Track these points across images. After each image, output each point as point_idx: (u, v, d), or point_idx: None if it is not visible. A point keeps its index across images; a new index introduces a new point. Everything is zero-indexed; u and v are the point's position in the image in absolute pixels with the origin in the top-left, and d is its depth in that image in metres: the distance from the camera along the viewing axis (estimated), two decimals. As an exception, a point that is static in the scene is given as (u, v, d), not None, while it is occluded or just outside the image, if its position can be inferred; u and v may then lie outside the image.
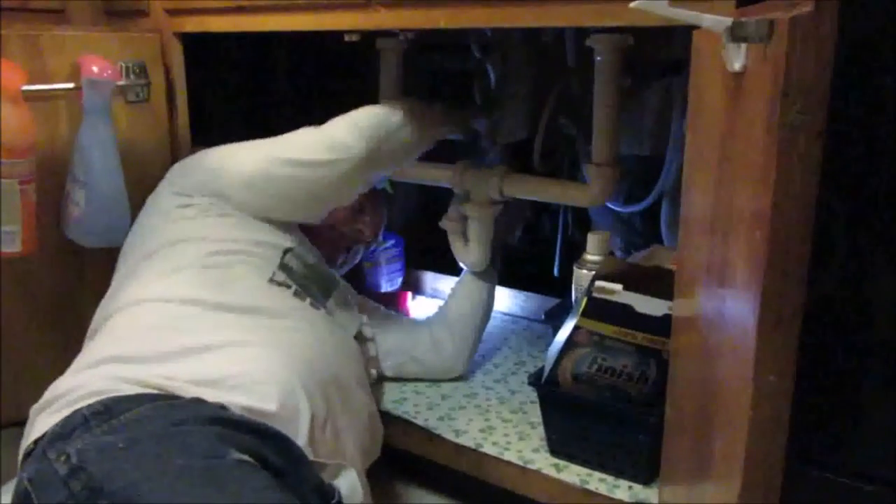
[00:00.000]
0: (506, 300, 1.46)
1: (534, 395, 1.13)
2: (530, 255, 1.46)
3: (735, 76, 0.46)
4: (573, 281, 1.09)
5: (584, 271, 1.07)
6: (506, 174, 1.15)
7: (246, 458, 0.69)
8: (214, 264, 0.90)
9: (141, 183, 1.11)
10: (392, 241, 1.52)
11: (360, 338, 1.08)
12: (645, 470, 0.92)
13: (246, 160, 0.97)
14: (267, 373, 0.80)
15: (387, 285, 1.52)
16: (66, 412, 0.71)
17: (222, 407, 0.74)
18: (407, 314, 1.44)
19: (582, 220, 1.44)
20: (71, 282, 1.15)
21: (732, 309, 0.44)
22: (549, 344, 1.31)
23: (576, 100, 1.31)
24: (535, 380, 0.97)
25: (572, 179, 1.30)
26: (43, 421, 0.73)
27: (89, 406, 0.71)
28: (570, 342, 0.91)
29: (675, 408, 0.78)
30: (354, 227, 1.19)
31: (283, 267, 0.96)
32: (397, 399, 1.14)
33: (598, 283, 0.88)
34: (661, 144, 1.25)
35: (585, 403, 0.93)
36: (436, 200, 1.58)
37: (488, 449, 1.02)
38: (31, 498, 0.65)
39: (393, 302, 1.44)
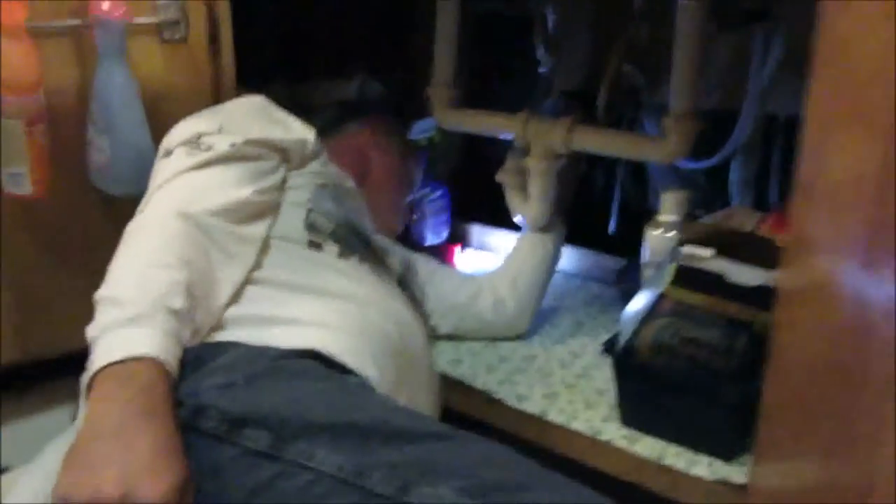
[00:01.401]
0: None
1: (599, 360, 1.09)
2: (583, 210, 1.39)
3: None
4: (645, 242, 1.03)
5: (657, 232, 1.00)
6: (573, 126, 1.07)
7: (363, 381, 0.69)
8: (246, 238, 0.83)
9: None
10: (438, 192, 1.45)
11: (414, 293, 1.02)
12: (728, 447, 0.87)
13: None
14: (332, 342, 0.75)
15: (432, 238, 1.46)
16: None
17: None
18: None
19: (638, 174, 1.36)
20: (101, 227, 1.10)
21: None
22: (609, 305, 1.26)
23: (641, 48, 1.22)
24: (611, 348, 0.92)
25: (634, 130, 1.23)
26: None
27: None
28: (652, 310, 0.85)
29: (778, 385, 0.72)
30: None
31: (311, 227, 0.89)
32: (452, 360, 1.09)
33: (687, 250, 0.81)
34: (729, 97, 1.17)
35: (665, 375, 0.87)
36: (484, 149, 1.51)
37: (554, 417, 0.97)
38: None
39: (440, 256, 1.38)
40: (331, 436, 0.59)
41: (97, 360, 0.60)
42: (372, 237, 0.97)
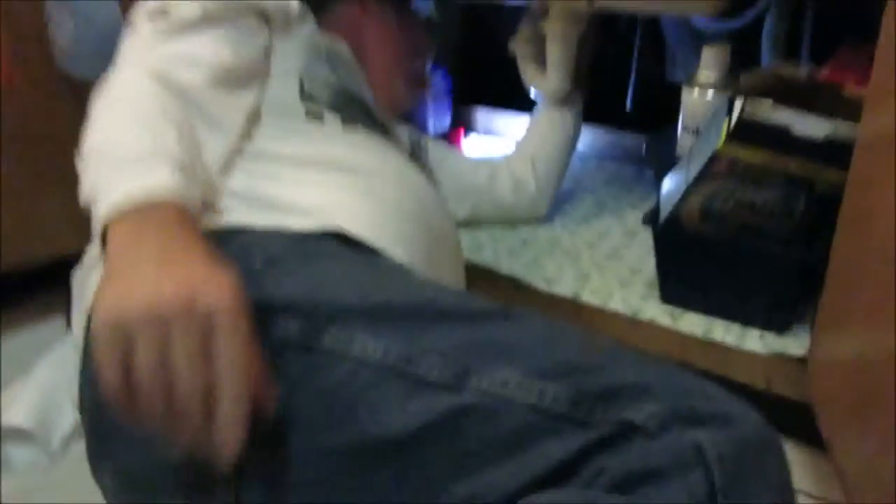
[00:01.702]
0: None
1: (627, 239, 1.02)
2: (598, 86, 1.30)
3: None
4: (682, 104, 0.94)
5: (697, 92, 0.91)
6: (597, -20, 0.95)
7: (396, 262, 0.60)
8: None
9: None
10: (438, 75, 1.34)
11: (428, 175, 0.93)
12: (780, 317, 0.81)
13: None
14: (353, 221, 0.66)
15: (435, 125, 1.36)
16: None
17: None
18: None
19: (655, 44, 1.26)
20: (71, 123, 0.99)
21: None
22: (630, 183, 1.18)
23: None
24: (652, 219, 0.84)
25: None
26: None
27: None
28: (704, 174, 0.76)
29: (850, 248, 0.66)
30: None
31: (307, 96, 0.78)
32: (473, 246, 1.01)
33: (749, 100, 0.72)
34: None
35: (714, 243, 0.80)
36: (484, 26, 1.39)
37: (588, 298, 0.90)
38: None
39: (445, 141, 1.28)
40: (369, 319, 0.50)
41: (106, 210, 0.49)
42: (374, 108, 0.86)
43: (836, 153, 0.71)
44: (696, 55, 1.07)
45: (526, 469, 0.44)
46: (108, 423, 0.55)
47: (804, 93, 0.75)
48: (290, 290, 0.52)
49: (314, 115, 0.76)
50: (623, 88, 1.29)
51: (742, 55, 1.15)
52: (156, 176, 0.51)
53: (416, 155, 0.90)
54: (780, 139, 0.72)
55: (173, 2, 0.72)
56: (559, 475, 0.44)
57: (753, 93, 0.75)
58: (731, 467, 0.41)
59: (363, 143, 0.77)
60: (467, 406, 0.46)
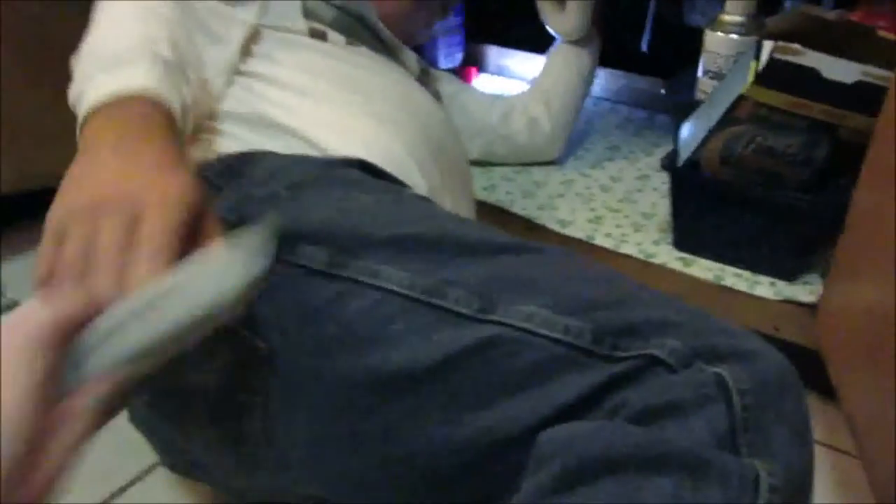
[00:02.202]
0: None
1: (640, 184, 1.01)
2: (613, 27, 1.27)
3: None
4: (704, 47, 0.92)
5: (721, 34, 0.89)
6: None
7: (420, 194, 0.60)
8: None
9: None
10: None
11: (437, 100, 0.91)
12: (792, 265, 0.82)
13: None
14: (375, 149, 0.65)
15: (445, 61, 1.33)
16: None
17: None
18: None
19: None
20: (71, 32, 0.97)
21: None
22: (643, 127, 1.17)
23: None
24: (671, 163, 0.83)
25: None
26: None
27: (207, 168, 0.56)
28: (727, 117, 0.75)
29: (872, 192, 0.65)
30: None
31: (309, 14, 0.76)
32: (486, 186, 1.01)
33: (779, 43, 0.71)
34: None
35: (731, 188, 0.80)
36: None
37: (601, 241, 0.90)
38: None
39: (456, 80, 1.26)
40: (396, 250, 0.50)
41: (84, 106, 0.49)
42: (380, 29, 0.84)
43: (865, 98, 0.70)
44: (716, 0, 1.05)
45: (548, 401, 0.45)
46: None
47: (835, 36, 0.74)
48: (316, 218, 0.51)
49: (317, 34, 0.74)
50: (639, 31, 1.27)
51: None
52: (133, 71, 0.50)
53: (425, 81, 0.88)
54: (808, 83, 0.71)
55: None
56: (582, 408, 0.45)
57: (782, 36, 0.73)
58: (751, 402, 0.42)
59: (368, 62, 0.75)
60: (492, 338, 0.46)
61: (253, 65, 0.68)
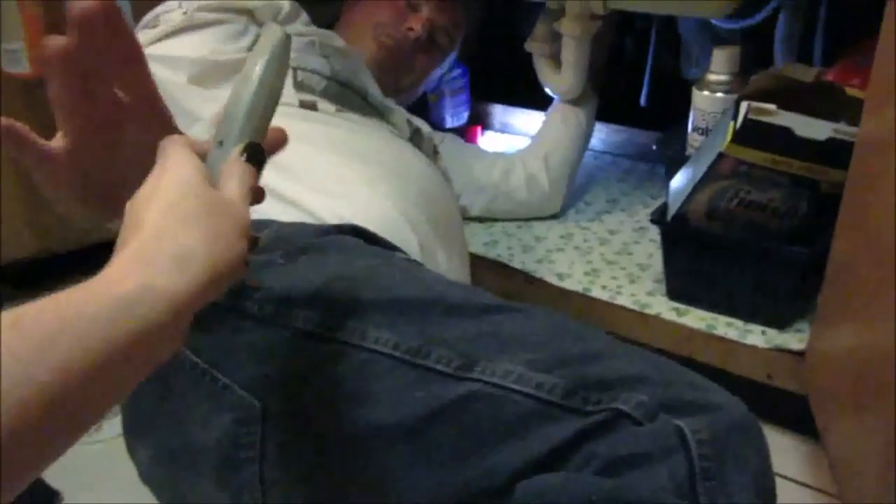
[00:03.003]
0: (587, 134, 1.33)
1: (637, 235, 1.04)
2: (613, 83, 1.32)
3: None
4: (692, 105, 0.96)
5: (707, 93, 0.93)
6: (610, -18, 0.98)
7: (410, 257, 0.64)
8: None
9: None
10: (458, 71, 1.36)
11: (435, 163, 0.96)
12: (781, 313, 0.84)
13: None
14: (368, 215, 0.69)
15: (452, 120, 1.38)
16: None
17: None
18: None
19: (670, 41, 1.28)
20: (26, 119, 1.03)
21: None
22: (643, 180, 1.20)
23: None
24: (660, 217, 0.87)
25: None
26: None
27: None
28: (710, 173, 0.79)
29: (849, 244, 0.68)
30: (401, 27, 0.99)
31: (300, 86, 0.81)
32: (487, 242, 1.05)
33: (753, 104, 0.75)
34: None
35: (719, 240, 0.83)
36: (504, 23, 1.41)
37: (597, 293, 0.93)
38: None
39: (462, 138, 1.31)
40: (384, 313, 0.53)
41: None
42: (371, 94, 0.89)
43: (839, 154, 0.73)
44: (711, 53, 1.09)
45: (524, 454, 0.48)
46: (145, 403, 0.59)
47: (808, 95, 0.77)
48: (310, 284, 0.56)
49: (306, 105, 0.80)
50: (638, 85, 1.31)
51: (757, 54, 1.17)
52: None
53: (416, 141, 0.92)
54: (783, 141, 0.74)
55: (164, 14, 0.78)
56: (555, 460, 0.47)
57: (759, 95, 0.77)
58: (710, 452, 0.44)
59: (358, 127, 0.80)
60: (471, 394, 0.49)
61: None
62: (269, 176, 0.69)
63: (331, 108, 0.81)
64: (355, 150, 0.76)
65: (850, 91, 0.76)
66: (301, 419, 0.53)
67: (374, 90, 0.89)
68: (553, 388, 0.48)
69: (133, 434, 0.62)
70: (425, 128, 0.95)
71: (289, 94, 0.79)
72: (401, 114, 0.91)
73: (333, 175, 0.72)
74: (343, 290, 0.55)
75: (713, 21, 1.14)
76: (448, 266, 0.76)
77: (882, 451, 0.58)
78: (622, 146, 1.30)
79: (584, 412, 0.47)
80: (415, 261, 0.66)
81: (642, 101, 1.31)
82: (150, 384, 0.57)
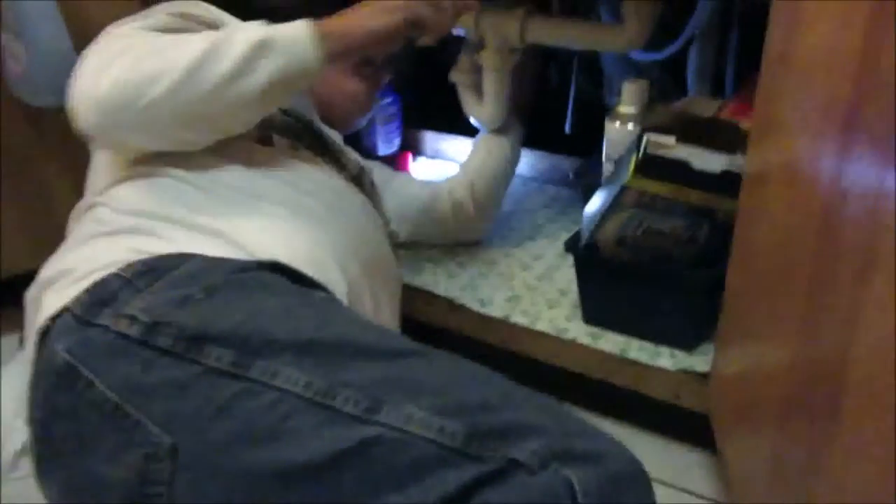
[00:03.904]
0: (515, 160, 1.36)
1: (559, 261, 1.07)
2: (538, 111, 1.35)
3: None
4: (605, 136, 1.00)
5: (619, 124, 0.97)
6: (528, 17, 1.02)
7: (330, 296, 0.66)
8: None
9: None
10: (388, 99, 1.39)
11: (372, 199, 0.98)
12: (689, 337, 0.88)
13: None
14: (293, 253, 0.71)
15: (384, 147, 1.40)
16: (87, 282, 0.61)
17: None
18: (409, 177, 1.34)
19: (593, 71, 1.32)
20: (30, 143, 1.03)
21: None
22: (567, 206, 1.24)
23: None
24: (572, 245, 0.90)
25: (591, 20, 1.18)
26: (54, 297, 0.63)
27: (126, 268, 0.62)
28: (615, 204, 0.82)
29: (746, 268, 0.72)
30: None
31: (267, 125, 0.81)
32: (414, 268, 1.07)
33: (652, 137, 0.78)
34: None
35: (627, 267, 0.86)
36: (434, 52, 1.44)
37: (518, 319, 0.96)
38: (79, 370, 0.57)
39: (393, 164, 1.34)
40: (295, 354, 0.55)
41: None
42: (323, 132, 0.91)
43: (733, 185, 0.77)
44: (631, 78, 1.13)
45: (423, 497, 0.49)
46: (55, 436, 0.59)
47: (705, 129, 0.82)
48: (224, 321, 0.57)
49: (263, 140, 0.81)
50: (563, 113, 1.35)
51: (676, 83, 1.22)
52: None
53: (360, 178, 0.94)
54: (681, 173, 0.78)
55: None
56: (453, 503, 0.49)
57: (659, 129, 0.81)
58: (595, 502, 0.47)
59: (306, 165, 0.81)
60: (375, 437, 0.51)
61: (190, 166, 0.73)
62: (201, 211, 0.70)
63: (285, 142, 0.82)
64: (297, 187, 0.77)
65: (744, 125, 0.81)
66: (211, 457, 0.54)
67: (322, 126, 0.91)
68: (454, 434, 0.50)
69: (42, 469, 0.62)
70: (367, 165, 0.97)
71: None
72: (351, 154, 0.93)
73: (267, 211, 0.73)
74: (256, 329, 0.56)
75: (632, 53, 1.19)
76: (374, 310, 0.78)
77: (769, 466, 0.61)
78: (548, 173, 1.34)
79: (481, 459, 0.49)
80: (334, 300, 0.67)
81: (567, 128, 1.35)
82: (60, 419, 0.58)
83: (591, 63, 1.31)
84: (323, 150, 0.87)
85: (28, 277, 0.69)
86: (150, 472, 0.54)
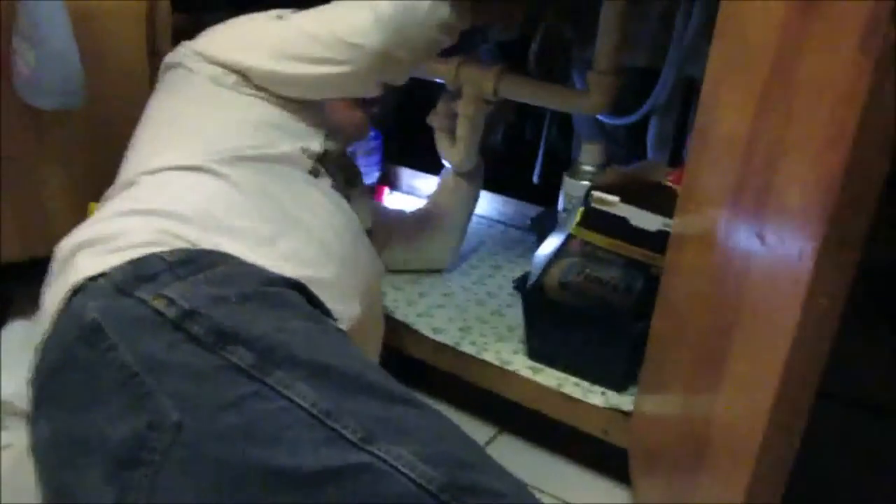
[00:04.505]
0: (483, 204, 1.44)
1: (511, 299, 1.15)
2: (510, 159, 1.45)
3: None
4: (563, 189, 1.09)
5: (576, 180, 1.06)
6: (503, 74, 1.11)
7: (341, 329, 0.72)
8: (259, 157, 0.86)
9: (109, 47, 1.07)
10: (372, 134, 1.48)
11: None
12: (620, 377, 0.95)
13: (262, 48, 0.91)
14: (315, 279, 0.77)
15: (363, 178, 1.49)
16: (128, 255, 0.67)
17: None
18: (383, 209, 1.42)
19: (565, 127, 1.42)
20: (29, 145, 1.10)
21: (779, 231, 0.44)
22: (528, 250, 1.33)
23: (575, 4, 1.27)
24: (521, 285, 0.98)
25: (564, 83, 1.28)
26: (91, 260, 0.69)
27: (169, 253, 0.68)
28: (561, 250, 0.91)
29: (665, 321, 0.80)
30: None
31: (320, 156, 0.92)
32: (376, 293, 1.14)
33: (596, 194, 0.87)
34: (656, 58, 1.23)
35: (568, 309, 0.94)
36: (419, 96, 1.53)
37: (466, 348, 1.03)
38: (105, 332, 0.62)
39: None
40: (310, 373, 0.61)
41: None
42: (340, 160, 1.00)
43: (666, 244, 0.85)
44: (596, 138, 1.23)
45: None
46: (66, 383, 0.64)
47: (647, 192, 0.91)
48: (254, 329, 0.63)
49: (314, 172, 0.91)
50: (532, 164, 1.45)
51: (635, 148, 1.32)
52: None
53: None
54: (620, 229, 0.87)
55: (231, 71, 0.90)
56: None
57: (606, 188, 0.90)
58: None
59: (333, 198, 0.91)
60: (366, 465, 0.56)
61: (240, 173, 0.82)
62: (242, 211, 0.77)
63: (327, 179, 0.93)
64: (329, 220, 0.87)
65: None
66: (210, 442, 0.58)
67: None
68: (432, 480, 0.56)
69: (40, 407, 0.66)
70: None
71: (302, 159, 0.90)
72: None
73: (302, 234, 0.81)
74: (280, 343, 0.62)
75: (599, 116, 1.29)
76: (366, 319, 0.86)
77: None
78: (514, 217, 1.42)
79: None
80: (345, 333, 0.74)
81: (535, 178, 1.45)
82: (75, 369, 0.63)
83: (563, 120, 1.40)
84: (339, 179, 0.96)
85: (17, 267, 0.75)
86: (149, 438, 0.58)
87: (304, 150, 0.90)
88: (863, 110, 0.34)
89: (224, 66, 0.90)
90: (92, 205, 1.03)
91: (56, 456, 0.65)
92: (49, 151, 1.09)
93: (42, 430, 0.65)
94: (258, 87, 0.90)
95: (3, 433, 0.86)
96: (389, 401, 0.62)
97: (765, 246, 0.46)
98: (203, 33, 0.94)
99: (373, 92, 0.98)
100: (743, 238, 0.52)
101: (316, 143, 0.92)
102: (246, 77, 0.90)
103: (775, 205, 0.45)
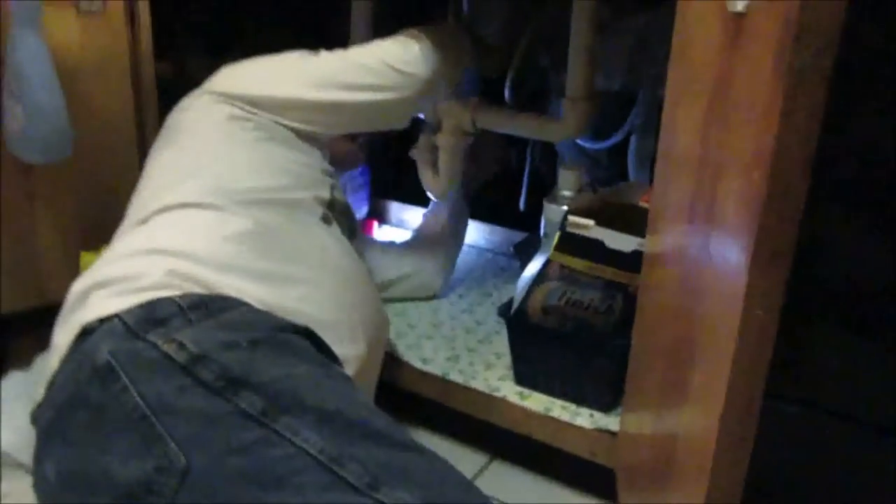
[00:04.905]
0: (471, 233, 1.46)
1: (500, 326, 1.16)
2: (496, 188, 1.47)
3: (735, 17, 0.46)
4: (543, 215, 1.10)
5: (555, 206, 1.08)
6: (478, 106, 1.14)
7: (346, 375, 0.74)
8: (274, 200, 0.87)
9: (96, 99, 1.10)
10: (359, 170, 1.50)
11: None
12: (606, 398, 0.96)
13: (302, 79, 0.95)
14: (322, 326, 0.79)
15: (352, 214, 1.51)
16: (141, 298, 0.69)
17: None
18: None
19: (548, 154, 1.44)
20: (21, 194, 1.13)
21: (721, 246, 0.46)
22: (515, 276, 1.34)
23: (549, 31, 1.30)
24: (505, 311, 0.99)
25: (543, 112, 1.30)
26: (104, 301, 0.70)
27: (182, 297, 0.69)
28: (540, 275, 0.92)
29: (642, 339, 0.81)
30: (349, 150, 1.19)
31: (330, 204, 0.94)
32: (365, 327, 1.15)
33: (572, 218, 0.89)
34: (633, 80, 1.26)
35: (552, 333, 0.95)
36: (401, 130, 1.56)
37: (454, 377, 1.04)
38: (118, 374, 0.63)
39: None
40: (317, 419, 0.62)
41: None
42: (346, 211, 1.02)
43: (641, 263, 0.87)
44: (579, 163, 1.25)
45: None
46: (75, 421, 0.65)
47: (621, 214, 0.92)
48: (263, 374, 0.64)
49: (326, 220, 0.93)
50: (518, 192, 1.47)
51: (617, 170, 1.34)
52: None
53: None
54: (596, 251, 0.89)
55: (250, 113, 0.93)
56: None
57: (582, 212, 0.92)
58: None
59: (342, 244, 0.93)
60: None
61: (256, 216, 0.83)
62: (257, 254, 0.79)
63: (336, 228, 0.94)
64: (337, 268, 0.89)
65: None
66: (217, 486, 0.59)
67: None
68: None
69: (47, 443, 0.67)
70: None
71: (315, 207, 0.92)
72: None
73: (311, 282, 0.83)
74: (288, 389, 0.64)
75: (579, 141, 1.31)
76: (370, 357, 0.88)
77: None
78: (501, 245, 1.44)
79: None
80: (350, 379, 0.75)
81: (521, 205, 1.47)
82: (85, 408, 0.64)
83: (546, 147, 1.43)
84: (344, 225, 0.98)
85: (12, 318, 0.76)
86: (156, 483, 0.59)
87: (315, 198, 0.92)
88: (778, 130, 0.36)
89: (249, 101, 0.92)
90: (84, 254, 1.06)
91: (62, 494, 0.65)
92: (40, 202, 1.11)
93: (48, 468, 0.66)
94: (276, 130, 0.93)
95: (3, 483, 0.86)
96: (394, 447, 0.63)
97: (711, 260, 0.48)
98: (218, 74, 0.96)
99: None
100: (697, 253, 0.54)
101: (325, 191, 0.94)
102: (270, 115, 0.92)
103: (719, 221, 0.47)
